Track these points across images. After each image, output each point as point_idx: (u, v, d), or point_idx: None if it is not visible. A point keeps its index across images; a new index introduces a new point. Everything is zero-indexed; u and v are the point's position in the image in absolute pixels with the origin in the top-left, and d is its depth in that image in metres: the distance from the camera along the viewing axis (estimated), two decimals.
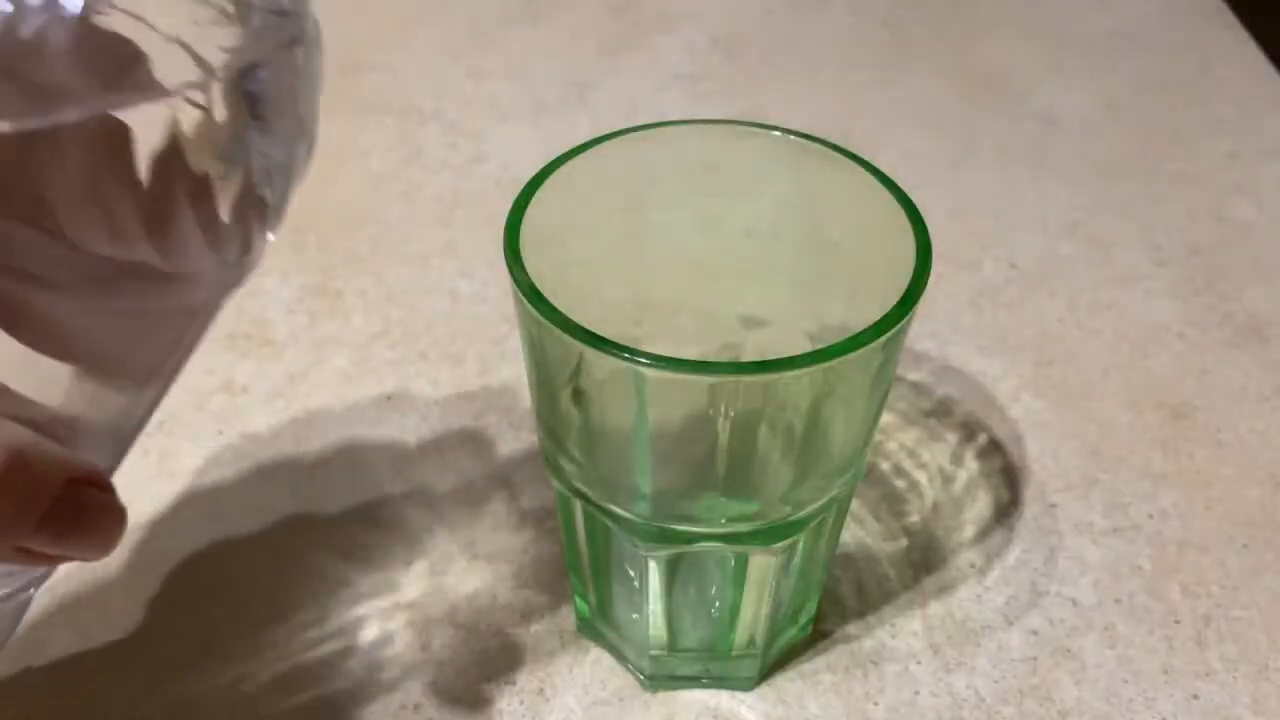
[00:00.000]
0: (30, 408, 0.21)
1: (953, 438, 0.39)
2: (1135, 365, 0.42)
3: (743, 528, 0.28)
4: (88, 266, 0.20)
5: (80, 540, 0.21)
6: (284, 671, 0.33)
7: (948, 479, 0.38)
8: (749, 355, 0.33)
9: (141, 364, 0.23)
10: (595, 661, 0.33)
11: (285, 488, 0.38)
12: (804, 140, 0.30)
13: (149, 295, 0.22)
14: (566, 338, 0.25)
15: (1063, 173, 0.52)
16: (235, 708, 0.32)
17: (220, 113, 0.20)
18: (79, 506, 0.20)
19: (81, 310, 0.21)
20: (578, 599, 0.34)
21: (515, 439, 0.39)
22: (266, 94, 0.22)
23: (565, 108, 0.56)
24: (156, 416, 0.41)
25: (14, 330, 0.20)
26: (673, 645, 0.32)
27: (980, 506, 0.37)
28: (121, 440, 0.24)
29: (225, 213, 0.22)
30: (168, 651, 0.33)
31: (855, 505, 0.37)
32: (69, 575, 0.35)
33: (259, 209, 0.22)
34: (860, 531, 0.36)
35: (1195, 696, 0.32)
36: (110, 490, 0.21)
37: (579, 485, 0.29)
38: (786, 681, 0.33)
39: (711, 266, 0.32)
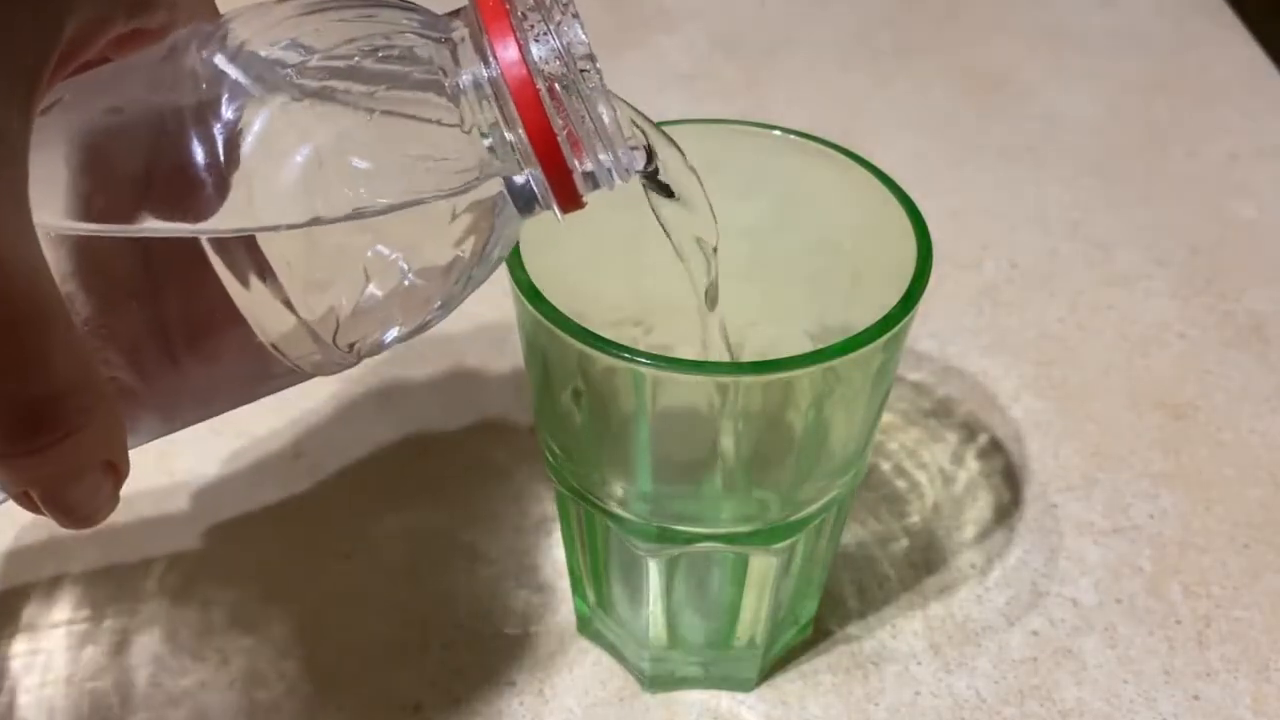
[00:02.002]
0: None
1: (953, 438, 0.39)
2: (1135, 365, 0.42)
3: (743, 528, 0.28)
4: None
5: (72, 518, 0.22)
6: (283, 670, 0.33)
7: (948, 479, 0.38)
8: (749, 355, 0.33)
9: (215, 409, 0.25)
10: (595, 662, 0.33)
11: (283, 488, 0.38)
12: (804, 140, 0.30)
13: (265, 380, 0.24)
14: (566, 337, 0.25)
15: (1063, 173, 0.52)
16: (228, 713, 0.32)
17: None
18: (95, 491, 0.21)
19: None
20: (578, 599, 0.34)
21: (515, 439, 0.39)
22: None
23: None
24: None
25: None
26: (673, 645, 0.32)
27: (981, 507, 0.37)
28: (168, 429, 0.25)
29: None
30: (157, 649, 0.33)
31: (855, 505, 0.37)
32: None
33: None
34: (860, 531, 0.36)
35: (1196, 697, 0.32)
36: (121, 484, 0.22)
37: (579, 485, 0.29)
38: (786, 682, 0.33)
39: None
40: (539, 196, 0.22)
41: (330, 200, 0.21)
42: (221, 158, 0.20)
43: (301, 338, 0.22)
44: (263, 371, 0.23)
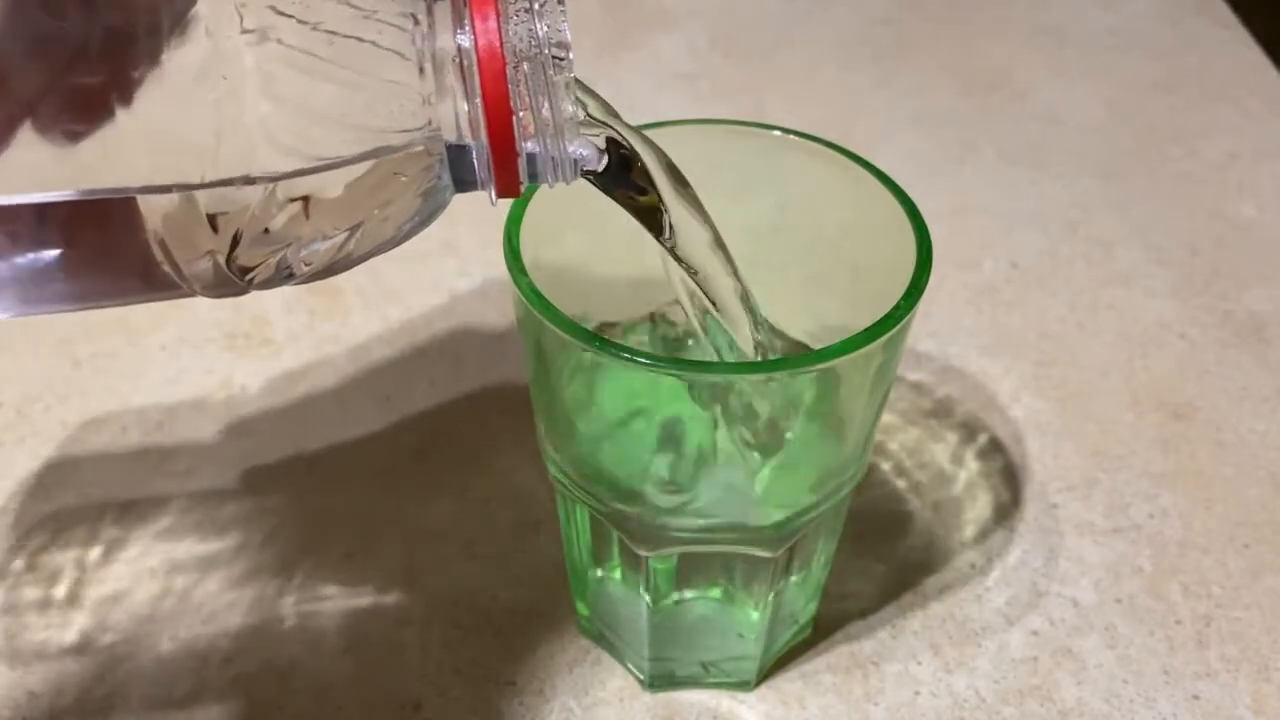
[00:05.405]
0: None
1: (953, 438, 0.39)
2: (1135, 365, 0.42)
3: (743, 528, 0.28)
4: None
5: None
6: (284, 671, 0.33)
7: (948, 479, 0.38)
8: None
9: (82, 302, 0.23)
10: (595, 661, 0.33)
11: (284, 487, 0.38)
12: (804, 140, 0.30)
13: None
14: (566, 337, 0.25)
15: (1063, 173, 0.52)
16: (228, 713, 0.32)
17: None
18: None
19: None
20: (578, 599, 0.34)
21: (515, 439, 0.39)
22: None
23: None
24: (156, 416, 0.41)
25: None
26: (673, 645, 0.32)
27: (981, 506, 0.37)
28: (24, 310, 0.23)
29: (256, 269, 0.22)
30: (161, 649, 0.33)
31: (855, 505, 0.37)
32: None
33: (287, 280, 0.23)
34: (861, 531, 0.36)
35: (1196, 697, 0.32)
36: None
37: (579, 485, 0.29)
38: (786, 682, 0.33)
39: None
40: (478, 175, 0.22)
41: (255, 153, 0.20)
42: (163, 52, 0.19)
43: (197, 238, 0.21)
44: (144, 273, 0.21)
